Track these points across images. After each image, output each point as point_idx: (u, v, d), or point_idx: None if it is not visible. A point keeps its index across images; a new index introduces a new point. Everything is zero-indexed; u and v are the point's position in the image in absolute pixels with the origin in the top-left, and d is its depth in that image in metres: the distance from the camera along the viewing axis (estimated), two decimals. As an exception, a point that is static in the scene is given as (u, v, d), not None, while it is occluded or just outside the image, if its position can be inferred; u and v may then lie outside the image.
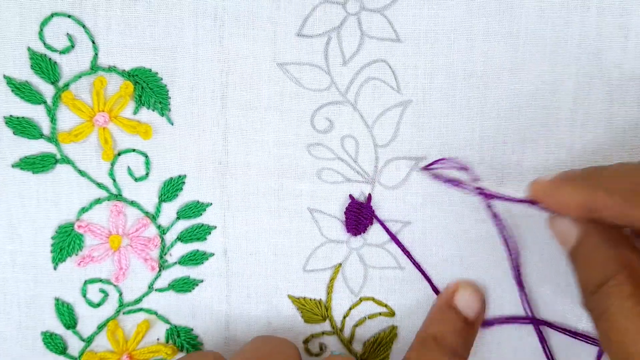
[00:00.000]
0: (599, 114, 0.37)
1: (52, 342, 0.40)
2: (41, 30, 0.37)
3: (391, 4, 0.37)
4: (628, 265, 0.29)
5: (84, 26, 0.37)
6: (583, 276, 0.31)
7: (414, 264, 0.39)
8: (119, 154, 0.38)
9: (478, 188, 0.37)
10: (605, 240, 0.31)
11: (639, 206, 0.28)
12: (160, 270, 0.40)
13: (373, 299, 0.40)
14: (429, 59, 0.37)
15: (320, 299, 0.40)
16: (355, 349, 0.41)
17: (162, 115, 0.38)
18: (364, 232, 0.39)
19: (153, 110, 0.38)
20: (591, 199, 0.31)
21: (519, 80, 0.37)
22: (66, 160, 0.38)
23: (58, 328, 0.40)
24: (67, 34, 0.37)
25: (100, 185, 0.39)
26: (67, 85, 0.37)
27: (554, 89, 0.37)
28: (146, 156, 0.38)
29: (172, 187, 0.39)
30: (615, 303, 0.29)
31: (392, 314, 0.40)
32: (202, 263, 0.40)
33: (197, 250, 0.39)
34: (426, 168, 0.38)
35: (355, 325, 0.40)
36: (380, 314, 0.40)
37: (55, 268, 0.39)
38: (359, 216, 0.38)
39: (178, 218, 0.39)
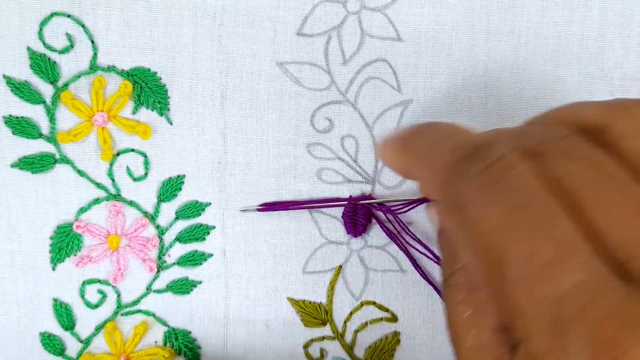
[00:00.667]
0: (602, 114, 0.37)
1: (51, 343, 0.40)
2: (40, 30, 0.37)
3: (392, 3, 0.37)
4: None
5: (83, 26, 0.37)
6: (442, 267, 0.30)
7: (414, 266, 0.39)
8: (117, 154, 0.38)
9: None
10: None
11: (450, 184, 0.22)
12: (158, 271, 0.39)
13: (374, 303, 0.39)
14: (430, 58, 0.37)
15: (321, 302, 0.40)
16: (357, 355, 0.40)
17: (161, 114, 0.38)
18: (364, 233, 0.39)
19: (152, 110, 0.38)
20: (407, 167, 0.27)
21: (521, 80, 0.37)
22: (65, 160, 0.38)
23: (56, 329, 0.40)
24: (67, 33, 0.37)
25: (99, 185, 0.38)
26: (66, 85, 0.37)
27: (556, 88, 0.37)
28: (145, 156, 0.38)
29: (171, 187, 0.38)
30: (451, 301, 0.27)
31: (394, 319, 0.40)
32: (201, 264, 0.39)
33: (196, 251, 0.39)
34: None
35: (357, 330, 0.40)
36: (382, 319, 0.40)
37: (53, 268, 0.39)
38: (355, 216, 0.38)
39: (177, 218, 0.39)
